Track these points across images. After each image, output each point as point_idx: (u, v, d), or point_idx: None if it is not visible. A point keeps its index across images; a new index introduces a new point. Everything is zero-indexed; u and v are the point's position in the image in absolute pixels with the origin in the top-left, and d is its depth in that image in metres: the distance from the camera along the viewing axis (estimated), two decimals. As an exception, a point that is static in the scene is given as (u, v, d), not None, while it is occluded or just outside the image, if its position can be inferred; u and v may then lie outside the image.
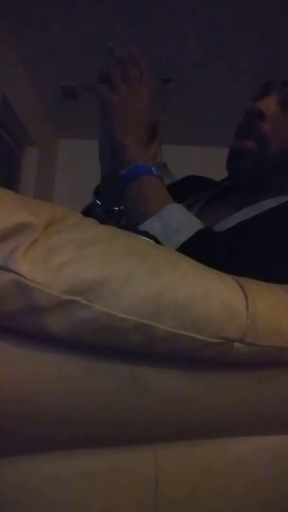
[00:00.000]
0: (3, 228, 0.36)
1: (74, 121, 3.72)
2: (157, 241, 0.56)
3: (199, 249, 0.60)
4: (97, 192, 0.84)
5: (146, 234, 0.55)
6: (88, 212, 0.86)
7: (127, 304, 0.38)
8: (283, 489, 0.57)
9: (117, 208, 0.82)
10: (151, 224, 0.64)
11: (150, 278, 0.39)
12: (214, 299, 0.42)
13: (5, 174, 3.44)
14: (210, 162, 2.03)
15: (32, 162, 3.68)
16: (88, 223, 0.44)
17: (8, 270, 0.35)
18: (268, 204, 0.71)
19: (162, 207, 0.66)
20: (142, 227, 0.64)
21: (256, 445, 0.55)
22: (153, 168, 0.69)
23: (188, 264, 0.45)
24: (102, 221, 0.82)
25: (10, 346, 0.39)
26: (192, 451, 0.52)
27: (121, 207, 0.82)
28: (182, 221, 0.65)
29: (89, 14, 2.55)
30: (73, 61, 3.02)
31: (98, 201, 0.83)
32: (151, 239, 0.54)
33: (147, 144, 0.75)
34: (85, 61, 2.99)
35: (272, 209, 0.69)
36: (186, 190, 0.90)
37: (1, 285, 0.35)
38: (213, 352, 0.43)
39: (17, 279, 0.35)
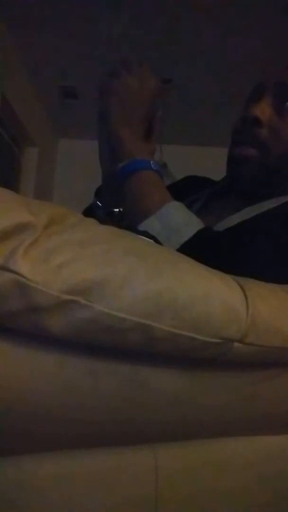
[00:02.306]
0: (3, 228, 0.36)
1: (74, 121, 3.72)
2: (157, 241, 0.56)
3: (199, 249, 0.60)
4: (98, 193, 0.84)
5: (146, 234, 0.55)
6: (89, 213, 0.86)
7: (127, 304, 0.38)
8: (283, 489, 0.57)
9: (117, 210, 0.82)
10: (150, 224, 0.64)
11: (150, 278, 0.39)
12: (214, 299, 0.42)
13: (5, 174, 3.44)
14: (210, 162, 2.03)
15: (32, 162, 3.68)
16: (88, 223, 0.44)
17: (8, 270, 0.35)
18: (268, 204, 0.71)
19: (161, 205, 0.65)
20: (141, 227, 0.64)
21: (256, 445, 0.55)
22: (151, 162, 0.69)
23: (188, 264, 0.45)
24: (103, 222, 0.82)
25: (10, 346, 0.39)
26: (192, 451, 0.52)
27: (122, 209, 0.81)
28: (182, 221, 0.65)
29: (89, 14, 2.55)
30: (73, 61, 3.02)
31: (98, 202, 0.83)
32: (151, 239, 0.54)
33: (145, 139, 0.74)
34: (85, 61, 2.99)
35: (273, 209, 0.69)
36: (187, 190, 0.90)
37: (1, 285, 0.35)
38: (213, 352, 0.43)
39: (17, 279, 0.35)
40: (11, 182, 3.48)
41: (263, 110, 0.72)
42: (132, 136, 0.70)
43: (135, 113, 0.71)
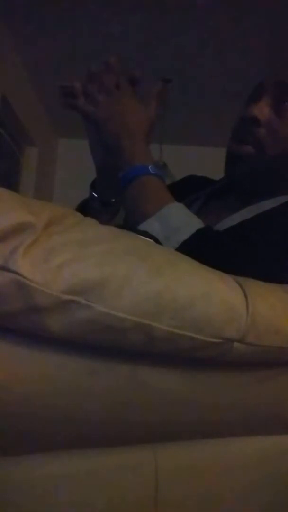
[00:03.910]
0: (3, 228, 0.36)
1: (74, 121, 3.70)
2: (157, 240, 0.56)
3: (199, 248, 0.60)
4: (93, 185, 0.84)
5: (146, 234, 0.55)
6: (85, 205, 0.86)
7: (127, 304, 0.38)
8: (283, 489, 0.57)
9: (113, 200, 0.83)
10: (150, 224, 0.64)
11: (150, 278, 0.39)
12: (214, 299, 0.42)
13: (5, 174, 3.44)
14: (210, 162, 2.03)
15: (32, 162, 3.68)
16: (88, 223, 0.44)
17: (8, 270, 0.35)
18: (268, 204, 0.71)
19: (161, 206, 0.66)
20: (141, 227, 0.64)
21: (256, 445, 0.55)
22: (149, 167, 0.68)
23: (188, 264, 0.45)
24: (99, 213, 0.83)
25: (10, 346, 0.39)
26: (192, 451, 0.52)
27: (117, 199, 0.82)
28: (182, 220, 0.65)
29: (89, 14, 2.55)
30: (73, 61, 3.02)
31: (94, 194, 0.83)
32: (151, 239, 0.54)
33: (145, 143, 0.73)
34: (85, 61, 2.99)
35: (273, 209, 0.69)
36: (186, 190, 0.90)
37: (1, 285, 0.35)
38: (213, 352, 0.43)
39: (17, 279, 0.35)
40: (11, 182, 3.48)
41: (262, 110, 0.72)
42: (129, 141, 0.70)
43: (127, 122, 0.71)
